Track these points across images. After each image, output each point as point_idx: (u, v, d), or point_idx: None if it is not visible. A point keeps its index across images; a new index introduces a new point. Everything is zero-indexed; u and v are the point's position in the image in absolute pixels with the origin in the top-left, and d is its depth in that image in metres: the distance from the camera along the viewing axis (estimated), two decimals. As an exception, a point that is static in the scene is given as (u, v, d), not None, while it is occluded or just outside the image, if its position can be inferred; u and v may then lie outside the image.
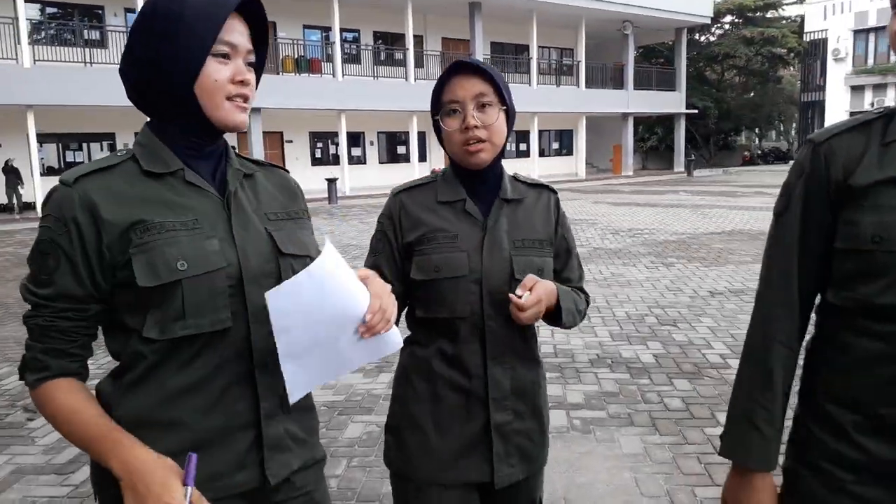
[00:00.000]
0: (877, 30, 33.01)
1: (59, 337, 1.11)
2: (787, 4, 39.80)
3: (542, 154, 30.89)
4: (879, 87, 32.91)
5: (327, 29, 23.99)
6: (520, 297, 1.42)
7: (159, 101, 1.15)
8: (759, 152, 43.28)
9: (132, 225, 1.09)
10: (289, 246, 1.24)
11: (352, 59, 25.00)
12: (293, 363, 1.15)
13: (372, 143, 27.27)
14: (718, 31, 40.96)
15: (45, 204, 1.11)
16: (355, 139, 26.38)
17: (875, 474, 1.10)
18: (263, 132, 21.57)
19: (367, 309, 1.14)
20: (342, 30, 23.90)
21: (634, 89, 31.07)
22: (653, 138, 40.69)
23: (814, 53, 39.98)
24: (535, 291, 1.43)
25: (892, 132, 1.10)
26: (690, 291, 7.23)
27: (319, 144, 25.99)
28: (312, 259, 1.18)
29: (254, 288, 1.16)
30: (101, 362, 4.61)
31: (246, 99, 1.17)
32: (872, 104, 32.94)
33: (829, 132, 1.15)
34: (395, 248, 1.55)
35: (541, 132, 30.09)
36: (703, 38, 40.85)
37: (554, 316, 1.55)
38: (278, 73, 21.79)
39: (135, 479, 1.02)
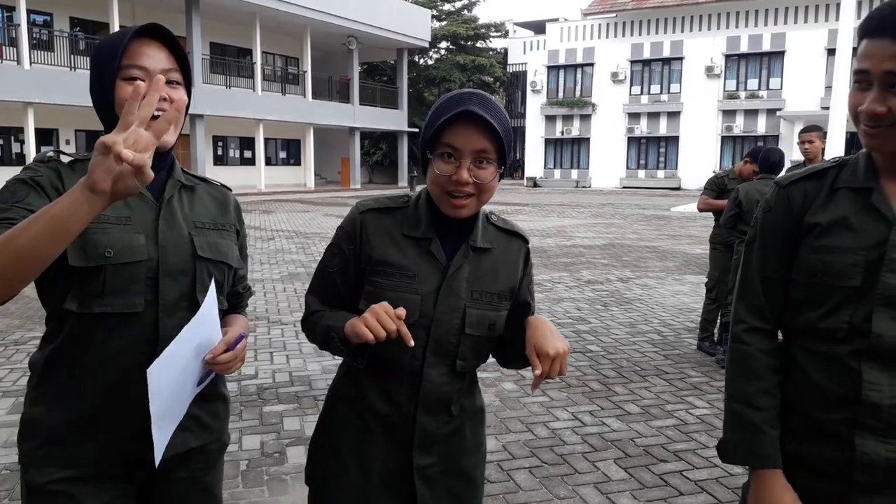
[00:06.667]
0: (565, 67, 37.98)
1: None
2: (494, 37, 44.05)
3: (268, 163, 29.93)
4: (567, 118, 37.88)
5: (11, 8, 20.48)
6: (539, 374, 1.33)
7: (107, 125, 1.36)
8: (472, 170, 46.90)
9: None
10: (206, 251, 1.41)
11: (42, 45, 21.59)
12: (161, 424, 1.29)
13: (68, 142, 23.85)
14: (436, 56, 43.81)
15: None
16: (46, 136, 22.85)
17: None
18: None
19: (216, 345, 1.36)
20: (30, 11, 20.59)
21: (360, 104, 31.66)
22: (378, 153, 41.99)
23: (515, 84, 44.85)
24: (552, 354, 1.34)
25: (840, 180, 1.27)
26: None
27: (0, 142, 22.03)
28: (227, 265, 1.47)
29: (168, 281, 1.36)
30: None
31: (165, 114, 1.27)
32: (562, 132, 37.80)
33: (790, 178, 1.33)
34: (351, 264, 1.46)
35: (267, 140, 29.11)
36: (422, 61, 43.34)
37: None
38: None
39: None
